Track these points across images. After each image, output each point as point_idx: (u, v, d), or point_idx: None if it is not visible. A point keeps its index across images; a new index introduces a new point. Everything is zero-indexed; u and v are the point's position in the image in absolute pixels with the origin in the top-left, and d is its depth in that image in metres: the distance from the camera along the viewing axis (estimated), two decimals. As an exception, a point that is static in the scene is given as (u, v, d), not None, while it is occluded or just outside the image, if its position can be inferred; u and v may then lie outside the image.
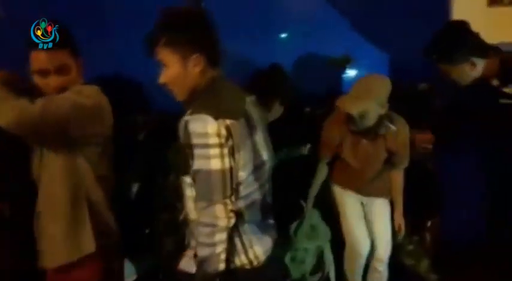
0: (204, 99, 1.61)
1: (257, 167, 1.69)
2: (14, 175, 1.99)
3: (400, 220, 2.72)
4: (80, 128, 1.80)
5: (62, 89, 1.85)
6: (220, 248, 1.56)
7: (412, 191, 2.72)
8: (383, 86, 2.43)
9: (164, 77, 1.65)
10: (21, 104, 1.71)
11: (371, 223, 2.76)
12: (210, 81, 1.66)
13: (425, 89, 3.21)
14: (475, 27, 2.37)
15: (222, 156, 1.54)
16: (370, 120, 2.45)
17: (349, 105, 2.38)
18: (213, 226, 1.54)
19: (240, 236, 1.65)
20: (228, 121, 1.56)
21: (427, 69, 3.09)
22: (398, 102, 2.53)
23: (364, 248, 2.70)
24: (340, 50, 3.18)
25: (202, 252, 1.56)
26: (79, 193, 1.86)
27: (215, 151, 1.53)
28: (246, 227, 1.66)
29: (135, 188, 2.59)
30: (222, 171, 1.54)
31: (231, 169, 1.56)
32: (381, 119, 2.49)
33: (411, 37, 3.12)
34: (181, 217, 1.78)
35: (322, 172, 2.78)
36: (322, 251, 2.64)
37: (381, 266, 2.70)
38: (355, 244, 2.69)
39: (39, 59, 1.84)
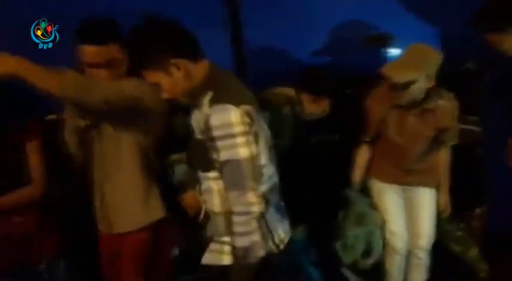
0: (215, 90, 1.61)
1: (269, 149, 1.72)
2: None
3: (445, 200, 2.62)
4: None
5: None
6: (258, 235, 1.57)
7: (459, 177, 2.63)
8: (434, 58, 2.31)
9: (164, 94, 1.67)
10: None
11: (413, 215, 2.64)
12: (206, 73, 1.66)
13: (473, 69, 3.07)
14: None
15: (248, 143, 1.55)
16: (417, 93, 2.33)
17: (395, 73, 2.27)
18: (248, 213, 1.55)
19: (266, 222, 1.66)
20: (247, 107, 1.57)
21: (476, 47, 3.00)
22: (443, 82, 2.43)
23: (401, 244, 2.60)
24: (381, 27, 3.06)
25: (241, 242, 1.56)
26: (146, 162, 2.06)
27: (241, 140, 1.54)
28: (270, 211, 1.68)
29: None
30: (251, 158, 1.56)
31: (257, 154, 1.58)
32: (428, 93, 2.37)
33: (457, 12, 3.01)
34: (201, 215, 1.78)
35: (363, 154, 2.68)
36: (372, 236, 2.60)
37: (422, 253, 2.61)
38: (392, 240, 2.60)
39: (87, 53, 1.91)
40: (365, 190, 2.69)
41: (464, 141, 2.63)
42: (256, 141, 1.60)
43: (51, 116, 2.61)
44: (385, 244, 2.62)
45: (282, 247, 1.70)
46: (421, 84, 2.30)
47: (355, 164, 2.70)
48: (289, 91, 2.49)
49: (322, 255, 2.59)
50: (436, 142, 2.53)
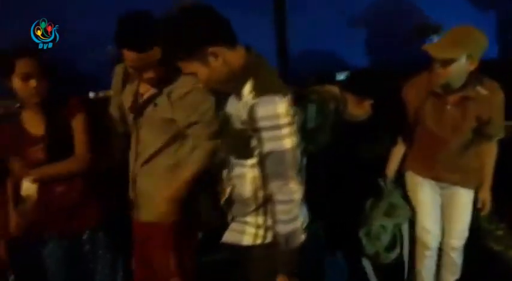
0: (256, 79, 1.61)
1: None
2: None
3: (486, 198, 2.48)
4: None
5: (158, 80, 2.01)
6: (300, 221, 1.62)
7: (501, 174, 2.49)
8: (478, 38, 2.16)
9: (202, 83, 1.69)
10: None
11: (448, 213, 2.53)
12: (244, 60, 1.64)
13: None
14: None
15: (292, 134, 1.58)
16: (456, 75, 2.19)
17: (436, 48, 2.16)
18: (291, 201, 1.59)
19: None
20: (288, 97, 1.58)
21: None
22: (491, 71, 2.30)
23: (432, 241, 2.52)
24: (430, 18, 2.93)
25: (285, 229, 1.60)
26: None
27: (287, 131, 1.56)
28: None
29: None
30: (293, 148, 1.58)
31: (297, 144, 1.60)
32: (469, 80, 2.23)
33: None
34: (224, 198, 1.83)
35: (400, 145, 2.59)
36: (399, 229, 2.52)
37: (454, 253, 2.53)
38: (423, 236, 2.52)
39: (129, 58, 1.93)
40: (400, 182, 2.60)
41: (507, 136, 2.44)
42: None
43: (99, 93, 2.68)
44: (415, 240, 2.54)
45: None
46: (462, 65, 2.15)
47: (392, 154, 2.61)
48: (335, 89, 2.44)
49: (345, 244, 2.56)
50: (479, 135, 2.37)
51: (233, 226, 1.78)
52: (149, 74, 1.99)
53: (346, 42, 2.94)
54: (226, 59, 1.60)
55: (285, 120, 1.55)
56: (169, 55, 1.65)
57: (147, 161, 2.13)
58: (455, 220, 2.50)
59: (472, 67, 2.17)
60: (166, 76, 2.02)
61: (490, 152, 2.45)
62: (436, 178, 2.49)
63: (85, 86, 2.62)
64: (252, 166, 1.68)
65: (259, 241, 1.73)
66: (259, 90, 1.57)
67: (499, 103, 2.29)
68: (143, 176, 2.15)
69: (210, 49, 1.57)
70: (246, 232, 1.74)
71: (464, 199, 2.48)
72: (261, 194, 1.69)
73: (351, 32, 2.94)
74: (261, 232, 1.73)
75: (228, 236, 1.78)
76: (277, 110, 1.54)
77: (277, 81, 1.62)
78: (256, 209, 1.72)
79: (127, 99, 2.19)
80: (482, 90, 2.26)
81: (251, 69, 1.63)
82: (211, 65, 1.60)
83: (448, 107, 2.32)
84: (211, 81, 1.65)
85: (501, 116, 2.32)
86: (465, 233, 2.50)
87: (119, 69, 2.25)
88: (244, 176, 1.71)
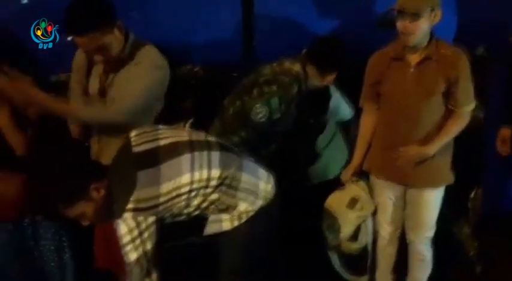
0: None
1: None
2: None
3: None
4: None
5: (113, 59, 2.03)
6: None
7: (458, 160, 2.45)
8: None
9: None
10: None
11: (413, 211, 2.44)
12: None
13: (482, 53, 3.07)
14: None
15: (137, 247, 1.79)
16: (422, 33, 2.16)
17: (405, 2, 2.11)
18: None
19: None
20: (129, 214, 1.74)
21: (485, 30, 2.98)
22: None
23: (390, 235, 2.52)
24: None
25: None
26: None
27: (128, 247, 1.77)
28: None
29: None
30: (139, 259, 1.79)
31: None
32: (431, 40, 2.21)
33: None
34: None
35: (366, 126, 2.46)
36: (362, 222, 2.56)
37: (420, 247, 2.49)
38: (380, 229, 2.54)
39: (78, 43, 1.96)
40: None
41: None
42: None
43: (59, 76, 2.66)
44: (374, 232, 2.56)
45: None
46: (427, 19, 2.13)
47: (357, 141, 2.51)
48: (295, 66, 2.47)
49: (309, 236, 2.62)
50: (447, 103, 2.25)
51: (210, 219, 1.93)
52: (98, 57, 2.01)
53: (315, 19, 3.03)
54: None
55: (126, 238, 1.69)
56: None
57: (109, 144, 2.16)
58: (421, 217, 2.43)
59: (436, 20, 2.17)
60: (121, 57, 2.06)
61: (455, 120, 2.26)
62: (399, 181, 2.40)
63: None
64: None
65: (236, 223, 1.91)
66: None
67: (464, 64, 2.22)
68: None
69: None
70: (223, 219, 1.91)
71: (431, 197, 2.39)
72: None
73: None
74: (235, 216, 1.91)
75: (209, 229, 1.93)
76: (119, 232, 1.69)
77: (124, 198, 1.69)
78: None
79: (93, 83, 2.19)
80: (445, 51, 2.22)
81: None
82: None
83: (412, 69, 2.24)
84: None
85: (469, 81, 2.23)
86: (431, 229, 2.45)
87: (80, 53, 2.22)
88: None
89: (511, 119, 2.66)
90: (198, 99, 2.92)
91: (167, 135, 1.85)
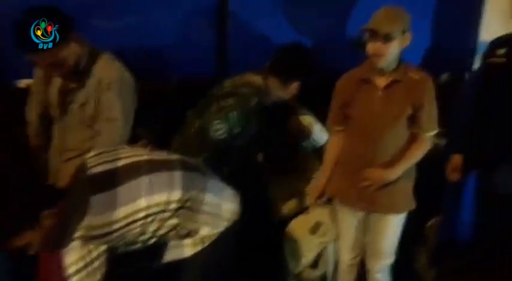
0: None
1: None
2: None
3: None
4: None
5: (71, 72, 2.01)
6: None
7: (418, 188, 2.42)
8: (406, 14, 2.15)
9: None
10: None
11: (373, 237, 2.41)
12: None
13: (445, 81, 3.08)
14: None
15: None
16: (393, 56, 2.14)
17: (376, 24, 2.09)
18: None
19: None
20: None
21: (450, 57, 3.02)
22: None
23: (350, 261, 2.49)
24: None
25: None
26: None
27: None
28: None
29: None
30: None
31: None
32: (399, 63, 2.20)
33: (434, 23, 3.05)
34: None
35: (333, 149, 2.41)
36: (325, 248, 2.53)
37: (378, 275, 2.45)
38: (341, 255, 2.51)
39: (34, 61, 1.96)
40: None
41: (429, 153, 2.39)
42: None
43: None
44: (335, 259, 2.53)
45: None
46: (398, 44, 2.12)
47: (324, 162, 2.46)
48: (257, 78, 2.41)
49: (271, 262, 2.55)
50: (411, 127, 2.24)
51: (171, 244, 1.82)
52: (55, 73, 2.02)
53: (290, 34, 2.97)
54: None
55: (73, 268, 1.57)
56: None
57: (71, 159, 2.13)
58: (381, 243, 2.39)
59: (406, 43, 2.16)
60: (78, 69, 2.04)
61: (419, 144, 2.24)
62: (362, 206, 2.35)
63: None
64: None
65: (199, 247, 1.80)
66: None
67: (431, 89, 2.22)
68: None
69: None
70: (184, 245, 1.80)
71: (392, 223, 2.35)
72: None
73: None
74: (198, 240, 1.79)
75: (169, 255, 1.82)
76: (66, 261, 1.58)
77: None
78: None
79: (52, 93, 2.16)
80: (413, 75, 2.21)
81: None
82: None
83: (380, 92, 2.23)
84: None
85: (434, 106, 2.23)
86: (391, 257, 2.42)
87: None
88: None
89: (464, 147, 2.66)
90: (169, 115, 2.80)
91: (127, 155, 1.74)
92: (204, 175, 1.83)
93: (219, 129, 2.31)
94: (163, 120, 2.70)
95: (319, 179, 2.48)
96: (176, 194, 1.69)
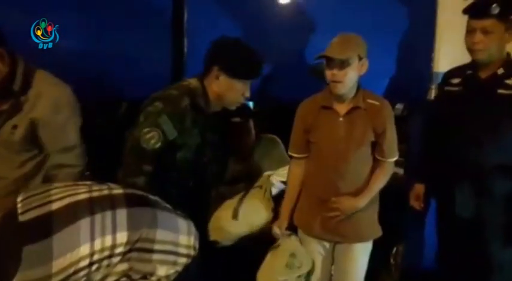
0: None
1: None
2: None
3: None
4: None
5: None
6: None
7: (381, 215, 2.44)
8: (362, 41, 2.19)
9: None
10: None
11: (340, 266, 2.37)
12: None
13: (401, 111, 3.15)
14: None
15: None
16: (351, 81, 2.15)
17: (332, 51, 2.11)
18: None
19: None
20: None
21: (405, 88, 3.10)
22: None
23: None
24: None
25: None
26: None
27: None
28: None
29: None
30: None
31: None
32: (358, 90, 2.23)
33: (385, 52, 3.13)
34: None
35: (295, 176, 2.38)
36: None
37: None
38: None
39: None
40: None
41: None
42: None
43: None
44: None
45: None
46: (356, 67, 2.14)
47: (286, 192, 2.41)
48: (193, 80, 2.21)
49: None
50: (372, 154, 2.26)
51: None
52: None
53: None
54: None
55: None
56: None
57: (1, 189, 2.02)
58: (349, 272, 2.36)
59: (364, 69, 2.19)
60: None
61: (382, 171, 2.28)
62: (329, 237, 2.33)
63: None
64: None
65: None
66: None
67: (391, 114, 2.26)
68: None
69: None
70: None
71: (358, 252, 2.33)
72: None
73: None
74: None
75: None
76: None
77: None
78: None
79: None
80: (373, 101, 2.23)
81: None
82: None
83: (341, 119, 2.24)
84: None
85: (394, 132, 2.27)
86: None
87: None
88: None
89: (425, 175, 2.71)
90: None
91: (62, 196, 1.54)
92: (152, 208, 1.64)
93: (150, 138, 2.04)
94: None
95: (282, 211, 2.41)
96: (123, 236, 1.51)
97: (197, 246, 1.71)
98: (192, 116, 2.14)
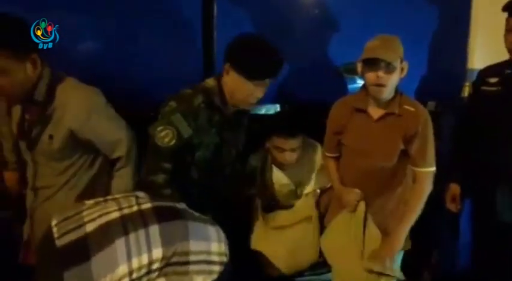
0: None
1: None
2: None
3: (395, 243, 2.18)
4: None
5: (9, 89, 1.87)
6: None
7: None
8: (401, 43, 2.10)
9: None
10: None
11: None
12: None
13: (433, 109, 3.07)
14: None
15: None
16: (394, 85, 2.08)
17: (378, 52, 2.00)
18: None
19: None
20: None
21: (437, 85, 3.02)
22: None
23: None
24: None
25: None
26: None
27: None
28: None
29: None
30: None
31: None
32: (395, 93, 2.14)
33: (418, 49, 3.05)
34: None
35: (334, 171, 2.37)
36: None
37: None
38: None
39: None
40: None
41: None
42: None
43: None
44: None
45: None
46: (398, 72, 2.07)
47: (332, 181, 2.39)
48: (210, 81, 2.19)
49: None
50: (406, 162, 2.18)
51: None
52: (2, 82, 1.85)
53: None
54: None
55: None
56: None
57: (49, 198, 2.07)
58: None
59: (404, 72, 2.12)
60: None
61: (417, 186, 2.18)
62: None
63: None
64: None
65: None
66: None
67: (426, 122, 2.14)
68: (44, 214, 2.02)
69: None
70: None
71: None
72: None
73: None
74: None
75: None
76: None
77: None
78: None
79: (14, 125, 2.08)
80: (408, 107, 2.15)
81: None
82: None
83: (373, 123, 2.17)
84: None
85: (428, 140, 2.14)
86: None
87: None
88: None
89: (458, 175, 2.64)
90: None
91: (93, 217, 1.58)
92: (182, 219, 1.66)
93: (165, 136, 2.06)
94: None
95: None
96: (158, 253, 1.55)
97: (228, 252, 1.73)
98: (207, 114, 2.13)
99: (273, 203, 2.70)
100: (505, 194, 2.38)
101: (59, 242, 1.53)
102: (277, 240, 2.55)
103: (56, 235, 1.55)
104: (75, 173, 2.11)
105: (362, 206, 2.25)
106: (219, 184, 2.31)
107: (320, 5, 3.00)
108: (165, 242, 1.57)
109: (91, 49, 2.76)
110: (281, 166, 2.64)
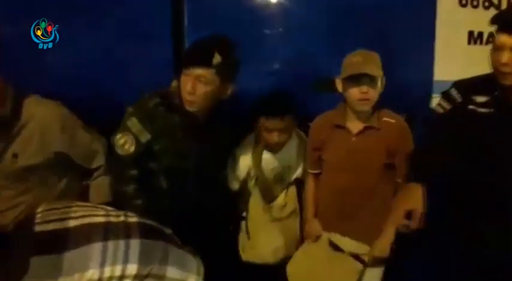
0: None
1: None
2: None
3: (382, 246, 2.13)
4: None
5: None
6: None
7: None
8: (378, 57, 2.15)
9: None
10: None
11: None
12: None
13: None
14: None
15: None
16: (375, 99, 2.11)
17: (363, 67, 2.03)
18: None
19: None
20: None
21: (408, 96, 3.06)
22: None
23: None
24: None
25: None
26: None
27: None
28: None
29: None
30: None
31: None
32: (374, 107, 2.17)
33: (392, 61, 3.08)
34: None
35: (310, 194, 2.40)
36: None
37: None
38: None
39: None
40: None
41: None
42: None
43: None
44: None
45: None
46: (379, 86, 2.12)
47: (307, 203, 2.41)
48: (174, 83, 2.17)
49: None
50: (390, 175, 2.19)
51: None
52: None
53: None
54: None
55: None
56: None
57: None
58: None
59: (383, 86, 2.15)
60: None
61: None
62: None
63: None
64: None
65: None
66: None
67: (407, 134, 2.18)
68: None
69: None
70: None
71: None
72: None
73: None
74: None
75: None
76: None
77: None
78: None
79: None
80: (388, 119, 2.18)
81: None
82: None
83: (353, 138, 2.20)
84: None
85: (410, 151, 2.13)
86: None
87: None
88: None
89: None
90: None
91: (80, 214, 1.52)
92: (166, 243, 1.59)
93: (124, 143, 2.06)
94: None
95: (309, 220, 2.40)
96: (133, 268, 1.46)
97: None
98: (165, 116, 2.09)
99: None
100: (489, 225, 2.11)
101: (38, 228, 1.46)
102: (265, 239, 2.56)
103: (37, 220, 1.49)
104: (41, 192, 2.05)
105: (324, 238, 2.30)
106: (191, 194, 2.24)
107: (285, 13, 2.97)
108: (143, 260, 1.48)
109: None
110: (271, 148, 2.59)
